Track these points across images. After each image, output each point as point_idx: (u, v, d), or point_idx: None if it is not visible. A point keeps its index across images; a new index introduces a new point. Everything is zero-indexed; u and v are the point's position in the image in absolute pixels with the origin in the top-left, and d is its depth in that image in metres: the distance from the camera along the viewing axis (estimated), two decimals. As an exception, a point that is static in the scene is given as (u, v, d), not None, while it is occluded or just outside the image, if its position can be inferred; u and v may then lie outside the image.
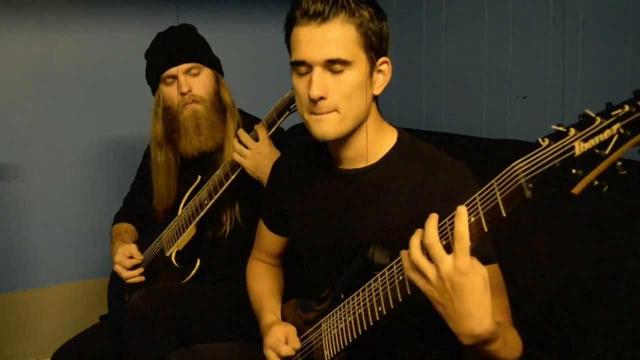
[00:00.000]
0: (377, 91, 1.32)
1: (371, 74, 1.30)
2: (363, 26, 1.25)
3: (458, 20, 2.48)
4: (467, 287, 1.00)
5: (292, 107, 1.77)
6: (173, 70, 1.92)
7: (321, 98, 1.25)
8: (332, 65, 1.25)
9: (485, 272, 1.02)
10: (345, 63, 1.24)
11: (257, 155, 1.82)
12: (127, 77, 2.36)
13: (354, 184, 1.39)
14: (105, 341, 2.04)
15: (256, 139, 1.84)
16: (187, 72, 1.93)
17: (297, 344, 1.40)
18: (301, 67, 1.28)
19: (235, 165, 1.87)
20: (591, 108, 0.84)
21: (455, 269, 0.99)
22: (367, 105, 1.31)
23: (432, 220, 1.04)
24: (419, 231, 1.07)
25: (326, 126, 1.28)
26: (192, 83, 1.93)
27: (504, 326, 1.17)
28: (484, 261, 1.22)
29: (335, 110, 1.27)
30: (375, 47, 1.28)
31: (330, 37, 1.24)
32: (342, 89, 1.26)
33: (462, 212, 0.99)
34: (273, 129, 1.82)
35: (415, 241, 1.06)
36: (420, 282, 1.05)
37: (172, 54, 1.93)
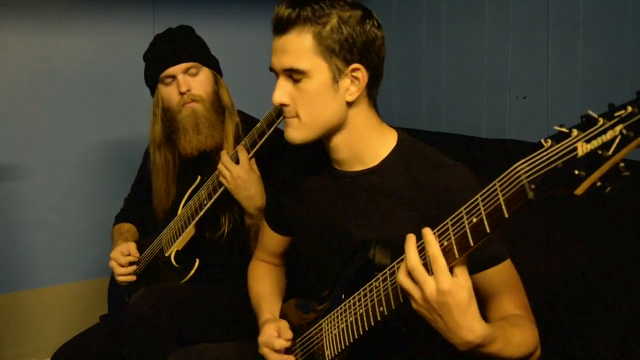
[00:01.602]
0: (349, 98, 1.30)
1: (337, 81, 1.29)
2: (323, 35, 1.25)
3: (458, 21, 2.48)
4: (452, 304, 1.03)
5: (290, 106, 1.76)
6: (172, 70, 1.92)
7: (283, 105, 1.31)
8: (292, 74, 1.28)
9: (469, 284, 1.05)
10: (301, 73, 1.27)
11: (236, 178, 1.82)
12: (127, 77, 2.37)
13: (355, 186, 1.38)
14: (105, 341, 2.05)
15: (237, 161, 1.83)
16: (186, 71, 1.92)
17: (290, 335, 1.41)
18: (275, 74, 1.34)
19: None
20: (591, 108, 0.83)
21: (438, 291, 1.03)
22: (337, 111, 1.31)
23: (411, 243, 1.07)
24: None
25: (290, 131, 1.34)
26: (191, 82, 1.93)
27: (509, 324, 1.18)
28: (495, 261, 1.24)
29: (297, 116, 1.31)
30: (341, 54, 1.27)
31: (287, 48, 1.27)
32: (301, 97, 1.29)
33: (427, 234, 1.04)
34: (270, 130, 1.81)
35: (402, 264, 1.09)
36: (410, 301, 1.08)
37: (171, 54, 1.92)
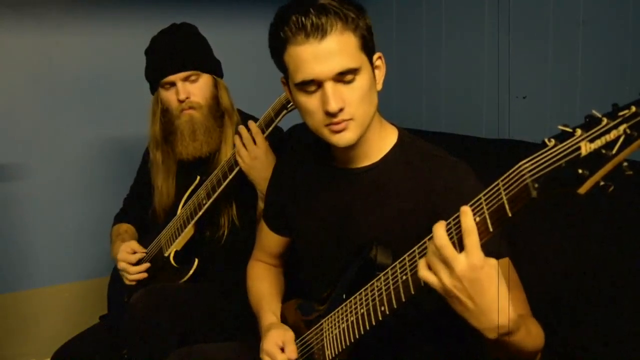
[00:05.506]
0: (379, 87, 1.32)
1: (374, 73, 1.30)
2: (358, 29, 1.25)
3: (458, 20, 2.48)
4: (485, 281, 1.00)
5: (289, 106, 1.76)
6: (171, 78, 1.92)
7: (340, 110, 1.24)
8: (343, 76, 1.23)
9: (495, 263, 1.02)
10: (355, 71, 1.24)
11: (254, 159, 1.82)
12: (127, 77, 2.36)
13: (356, 183, 1.39)
14: (105, 341, 2.04)
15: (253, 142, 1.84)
16: (186, 79, 1.92)
17: (294, 354, 1.40)
18: (310, 86, 1.25)
19: (232, 166, 1.87)
20: (590, 108, 0.84)
21: (469, 266, 1.00)
22: (376, 103, 1.32)
23: (440, 225, 1.04)
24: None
25: (347, 135, 1.27)
26: (190, 90, 1.93)
27: (525, 316, 1.17)
28: (495, 257, 1.22)
29: (352, 118, 1.26)
30: (369, 46, 1.28)
31: (336, 50, 1.21)
32: (356, 97, 1.25)
33: (466, 209, 1.00)
34: (270, 129, 1.82)
35: (430, 245, 1.06)
36: (437, 285, 1.05)
37: (171, 61, 1.92)
